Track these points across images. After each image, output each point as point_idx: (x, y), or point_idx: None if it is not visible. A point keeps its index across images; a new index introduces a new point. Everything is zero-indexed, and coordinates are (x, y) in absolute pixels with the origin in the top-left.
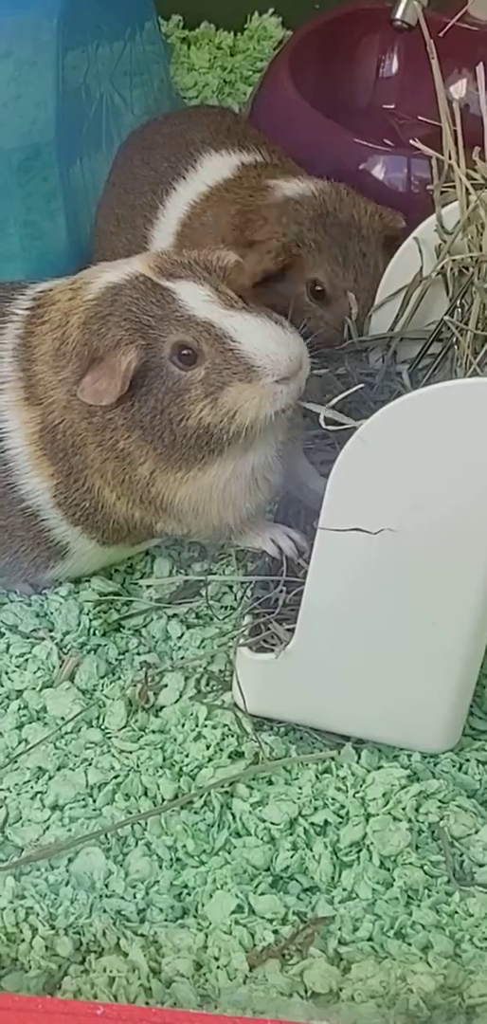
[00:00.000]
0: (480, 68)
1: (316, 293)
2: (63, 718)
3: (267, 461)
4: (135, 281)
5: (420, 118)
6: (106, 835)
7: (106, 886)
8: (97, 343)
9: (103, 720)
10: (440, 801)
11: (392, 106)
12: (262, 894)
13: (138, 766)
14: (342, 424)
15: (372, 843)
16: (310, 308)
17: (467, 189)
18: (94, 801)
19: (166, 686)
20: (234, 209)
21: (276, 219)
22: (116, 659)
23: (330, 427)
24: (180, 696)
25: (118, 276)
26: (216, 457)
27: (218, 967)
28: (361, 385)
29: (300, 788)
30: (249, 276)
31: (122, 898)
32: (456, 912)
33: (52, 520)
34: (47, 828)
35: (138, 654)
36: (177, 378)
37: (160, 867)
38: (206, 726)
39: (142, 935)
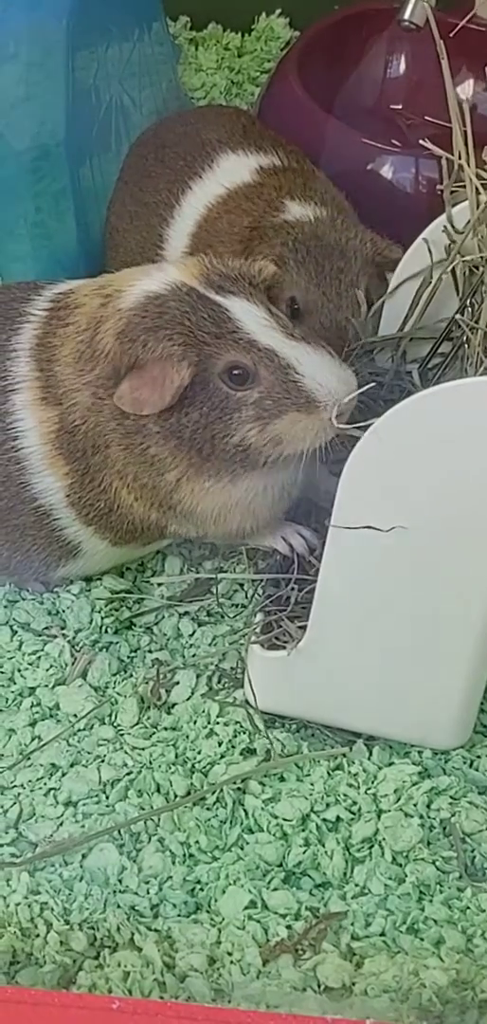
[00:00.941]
0: None
1: (294, 311)
2: (76, 715)
3: (294, 477)
4: (179, 292)
5: (427, 118)
6: (119, 831)
7: (120, 882)
8: (141, 353)
9: (115, 717)
10: (451, 797)
11: (399, 106)
12: (275, 889)
13: (151, 763)
14: (354, 423)
15: (384, 839)
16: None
17: (477, 189)
18: (107, 797)
19: (178, 683)
20: (247, 221)
21: (269, 241)
22: (128, 656)
23: (342, 426)
24: (192, 693)
25: (158, 285)
26: (249, 472)
27: (231, 962)
28: (372, 384)
29: (312, 784)
30: None
31: (136, 893)
32: (468, 907)
33: (64, 519)
34: (61, 824)
35: (150, 651)
36: (225, 396)
37: (173, 863)
38: (218, 723)
39: (156, 930)
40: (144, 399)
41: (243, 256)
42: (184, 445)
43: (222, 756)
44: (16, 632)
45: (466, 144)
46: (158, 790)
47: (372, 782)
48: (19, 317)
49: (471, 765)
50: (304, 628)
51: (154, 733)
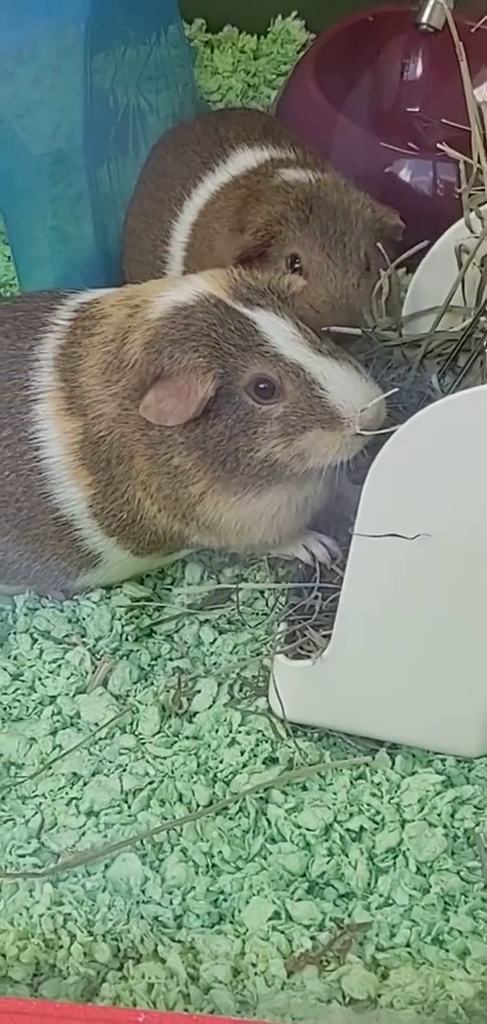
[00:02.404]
0: None
1: (295, 268)
2: (97, 724)
3: (319, 490)
4: (207, 304)
5: (444, 121)
6: (142, 841)
7: (143, 892)
8: (166, 364)
9: (137, 726)
10: (475, 807)
11: (416, 109)
12: (299, 900)
13: (172, 772)
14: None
15: (408, 849)
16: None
17: None
18: (129, 807)
19: (199, 692)
20: (241, 193)
21: (267, 200)
22: (149, 665)
23: (364, 432)
24: (213, 702)
25: (186, 296)
26: (274, 486)
27: (256, 973)
28: (395, 389)
29: (335, 794)
30: (230, 253)
31: (159, 904)
32: None
33: (86, 530)
34: (83, 834)
35: (170, 660)
36: (250, 409)
37: (196, 873)
38: (240, 732)
39: (180, 941)
40: (169, 410)
41: (237, 223)
42: (208, 457)
43: (244, 765)
44: (36, 640)
45: (485, 147)
46: (180, 799)
47: (395, 791)
48: (42, 327)
49: None
50: (328, 637)
51: (176, 742)
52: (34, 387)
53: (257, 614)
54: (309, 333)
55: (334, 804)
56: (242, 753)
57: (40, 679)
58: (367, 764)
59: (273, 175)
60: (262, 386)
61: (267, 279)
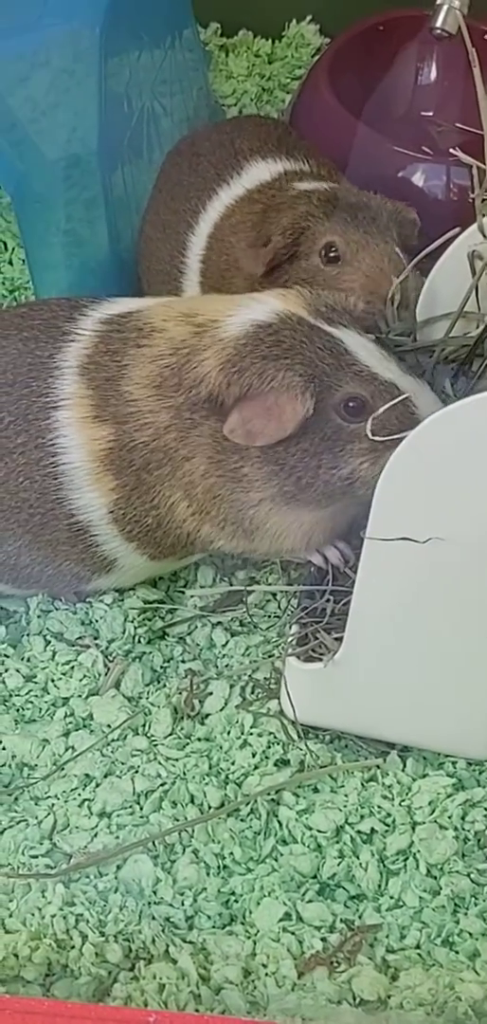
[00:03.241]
0: None
1: (331, 258)
2: (109, 725)
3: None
4: (290, 322)
5: (458, 125)
6: (154, 842)
7: (154, 893)
8: (255, 383)
9: (149, 727)
10: (486, 810)
11: (430, 113)
12: (309, 901)
13: (184, 773)
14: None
15: (419, 851)
16: (330, 277)
17: None
18: (141, 808)
19: (211, 694)
20: (258, 208)
21: (288, 206)
22: (161, 667)
23: (376, 437)
24: (225, 704)
25: (264, 315)
26: (338, 500)
27: (266, 974)
28: (406, 395)
29: (346, 796)
30: (261, 261)
31: (170, 905)
32: None
33: (103, 535)
34: (95, 835)
35: (183, 662)
36: (338, 428)
37: (208, 874)
38: (252, 734)
39: (191, 942)
40: (257, 430)
41: (257, 239)
42: (283, 472)
43: (256, 767)
44: (49, 642)
45: None
46: (192, 801)
47: (406, 794)
48: (62, 335)
49: None
50: (340, 639)
51: (188, 744)
52: (54, 394)
53: (269, 616)
54: (389, 350)
55: (345, 806)
56: (254, 755)
57: (53, 681)
58: (378, 766)
59: (288, 188)
60: (352, 404)
61: (335, 297)
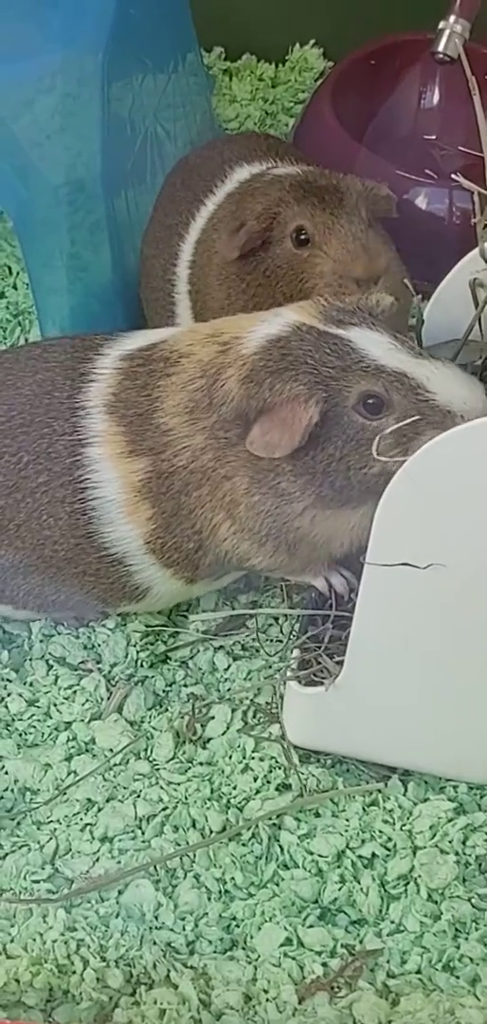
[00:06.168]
0: None
1: (301, 240)
2: (111, 750)
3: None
4: (300, 332)
5: (461, 148)
6: (155, 867)
7: (156, 918)
8: (268, 396)
9: (151, 752)
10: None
11: (433, 137)
12: (310, 926)
13: (186, 798)
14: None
15: (420, 876)
16: (302, 260)
17: None
18: (143, 833)
19: (213, 718)
20: (235, 199)
21: (262, 192)
22: (163, 691)
23: (380, 459)
24: (227, 728)
25: (278, 328)
26: (373, 498)
27: (267, 999)
28: (416, 417)
29: (347, 820)
30: (236, 245)
31: (172, 930)
32: None
33: (138, 565)
34: (97, 860)
35: (185, 686)
36: (361, 427)
37: (209, 899)
38: (253, 758)
39: (192, 967)
40: (275, 442)
41: (234, 224)
42: (316, 479)
43: (257, 791)
44: (52, 666)
45: None
46: (194, 825)
47: (407, 818)
48: (80, 376)
49: None
50: (341, 663)
51: (189, 768)
52: (82, 433)
53: (271, 640)
54: (406, 341)
55: (346, 831)
56: (255, 779)
57: (55, 705)
58: (379, 791)
59: (264, 174)
60: (370, 402)
61: (355, 300)
